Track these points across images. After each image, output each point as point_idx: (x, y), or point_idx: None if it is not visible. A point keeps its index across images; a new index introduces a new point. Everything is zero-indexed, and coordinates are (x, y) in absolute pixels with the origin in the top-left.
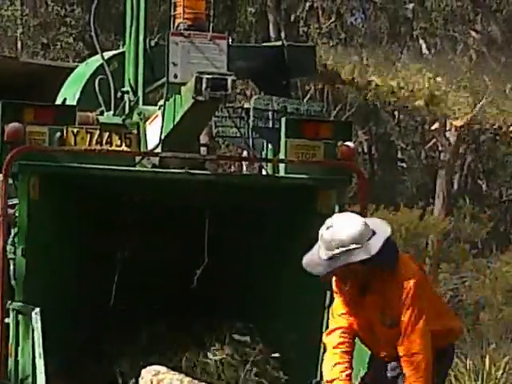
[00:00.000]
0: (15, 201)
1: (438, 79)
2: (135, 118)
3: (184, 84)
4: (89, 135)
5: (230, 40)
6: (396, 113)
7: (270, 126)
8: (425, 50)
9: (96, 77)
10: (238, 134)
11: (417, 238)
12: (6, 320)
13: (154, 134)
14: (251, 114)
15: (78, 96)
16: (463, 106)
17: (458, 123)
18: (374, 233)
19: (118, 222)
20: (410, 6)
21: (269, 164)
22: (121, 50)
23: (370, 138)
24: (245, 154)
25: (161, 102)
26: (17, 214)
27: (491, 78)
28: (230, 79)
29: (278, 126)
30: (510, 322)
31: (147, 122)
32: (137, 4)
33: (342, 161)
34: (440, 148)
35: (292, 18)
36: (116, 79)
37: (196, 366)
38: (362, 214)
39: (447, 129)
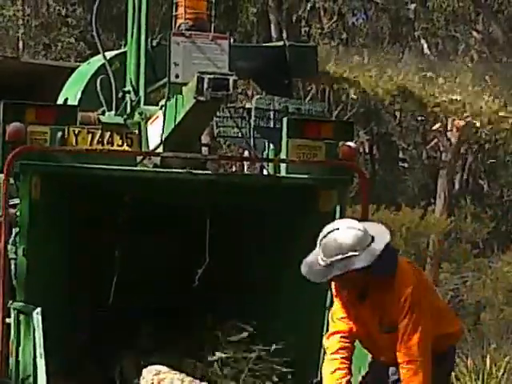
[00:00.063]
0: (16, 201)
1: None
2: (137, 117)
3: (185, 84)
4: (90, 135)
5: (232, 40)
6: (397, 113)
7: (272, 125)
8: (426, 51)
9: (97, 77)
10: (240, 134)
11: (418, 237)
12: (7, 320)
13: (155, 133)
14: (253, 113)
15: (79, 96)
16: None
17: (460, 123)
18: (373, 239)
19: (119, 221)
20: (412, 6)
21: (270, 164)
22: (122, 50)
23: (371, 138)
24: (246, 153)
25: (162, 102)
26: (18, 214)
27: (493, 78)
28: (231, 79)
29: (280, 126)
30: (511, 321)
31: (149, 122)
32: (138, 4)
33: (344, 161)
34: (441, 148)
35: (294, 18)
36: (117, 79)
37: (196, 365)
38: (364, 213)
39: (448, 129)
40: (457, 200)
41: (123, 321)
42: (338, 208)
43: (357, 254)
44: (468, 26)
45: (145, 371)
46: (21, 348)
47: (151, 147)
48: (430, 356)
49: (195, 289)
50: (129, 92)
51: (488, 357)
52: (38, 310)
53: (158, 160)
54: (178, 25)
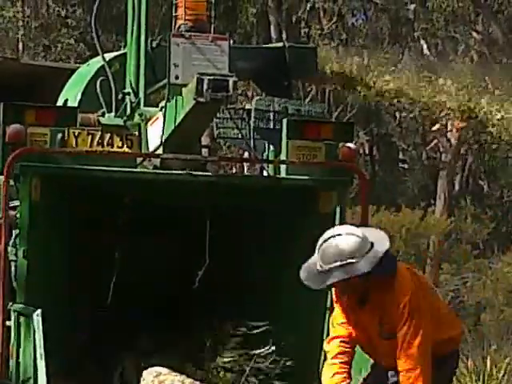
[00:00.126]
0: (16, 202)
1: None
2: (136, 119)
3: (185, 85)
4: (90, 136)
5: (232, 41)
6: (397, 114)
7: (272, 127)
8: (426, 51)
9: (97, 78)
10: (240, 136)
11: (418, 238)
12: (8, 322)
13: (155, 135)
14: (252, 115)
15: (79, 97)
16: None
17: (459, 124)
18: (372, 245)
19: (119, 223)
20: (412, 6)
21: (270, 165)
22: (122, 52)
23: (371, 139)
24: (246, 155)
25: (162, 104)
26: (18, 216)
27: (492, 79)
28: (231, 80)
29: (280, 127)
30: (511, 322)
31: (148, 124)
32: (138, 5)
33: (344, 162)
34: (441, 149)
35: (293, 18)
36: (117, 80)
37: (197, 367)
38: (364, 215)
39: (448, 130)
40: (457, 201)
41: (123, 322)
42: (337, 209)
43: (356, 260)
44: (468, 26)
45: (145, 373)
46: (21, 350)
47: (151, 149)
48: (430, 363)
49: (195, 290)
50: (128, 93)
51: (488, 358)
52: (39, 311)
53: (157, 161)
54: (177, 26)
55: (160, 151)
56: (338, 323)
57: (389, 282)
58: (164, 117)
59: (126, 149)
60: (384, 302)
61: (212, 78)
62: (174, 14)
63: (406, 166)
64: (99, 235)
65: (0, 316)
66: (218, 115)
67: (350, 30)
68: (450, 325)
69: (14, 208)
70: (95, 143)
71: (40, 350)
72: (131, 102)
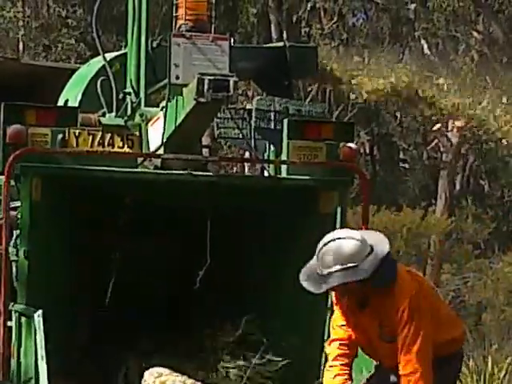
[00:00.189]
0: (17, 203)
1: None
2: (137, 119)
3: (186, 85)
4: (91, 137)
5: (232, 41)
6: (398, 114)
7: (272, 127)
8: (426, 51)
9: (98, 78)
10: (240, 136)
11: (419, 238)
12: (9, 323)
13: (155, 135)
14: (253, 115)
15: (79, 97)
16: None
17: (460, 124)
18: (372, 249)
19: (120, 223)
20: (412, 6)
21: (271, 165)
22: (123, 52)
23: (371, 138)
24: (247, 155)
25: (163, 104)
26: (19, 216)
27: (493, 79)
28: (231, 80)
29: (280, 127)
30: None
31: (149, 124)
32: (138, 5)
33: (344, 162)
34: (442, 149)
35: (294, 18)
36: (118, 80)
37: (198, 367)
38: (364, 215)
39: (449, 129)
40: (458, 201)
41: (124, 322)
42: (338, 209)
43: (355, 264)
44: (468, 26)
45: (146, 373)
46: (22, 350)
47: (152, 149)
48: (431, 366)
49: (196, 290)
50: (129, 93)
51: (489, 358)
52: (40, 312)
53: (158, 162)
54: (178, 26)
55: (161, 151)
56: (337, 325)
57: (388, 286)
58: (165, 117)
59: (126, 149)
60: (384, 305)
61: (213, 78)
62: (174, 14)
63: (406, 165)
64: (100, 235)
65: (1, 316)
66: (218, 115)
67: (351, 30)
68: (452, 325)
69: (15, 208)
70: (96, 143)
71: (41, 351)
72: (132, 102)
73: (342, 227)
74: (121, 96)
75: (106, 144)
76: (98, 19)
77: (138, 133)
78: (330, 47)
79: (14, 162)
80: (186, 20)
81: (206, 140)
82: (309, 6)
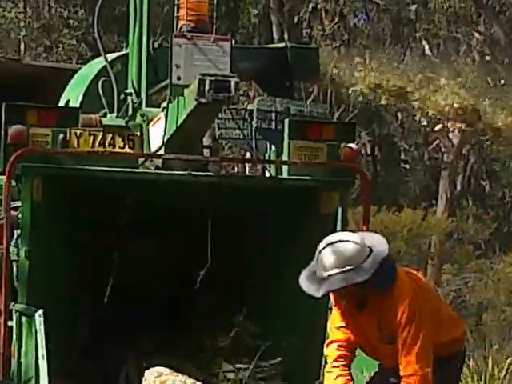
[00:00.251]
0: (18, 203)
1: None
2: (138, 119)
3: (187, 86)
4: (92, 137)
5: (233, 42)
6: (399, 114)
7: (273, 127)
8: (428, 52)
9: (99, 79)
10: (241, 136)
11: (419, 238)
12: (9, 322)
13: (157, 135)
14: (254, 115)
15: (81, 98)
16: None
17: (461, 124)
18: (371, 251)
19: (121, 223)
20: (413, 7)
21: (272, 165)
22: (124, 52)
23: (373, 139)
24: (248, 155)
25: (164, 104)
26: (20, 216)
27: (494, 79)
28: (233, 81)
29: (281, 128)
30: None
31: (150, 124)
32: (140, 6)
33: (345, 162)
34: (443, 149)
35: (295, 19)
36: (119, 81)
37: (198, 367)
38: (365, 215)
39: (450, 130)
40: (458, 201)
41: (125, 322)
42: (339, 210)
43: (355, 267)
44: (469, 27)
45: (147, 373)
46: (23, 350)
47: (153, 149)
48: (431, 367)
49: (197, 290)
50: (130, 94)
51: (490, 358)
52: (40, 311)
53: (159, 162)
54: (179, 26)
55: (162, 152)
56: (336, 327)
57: (387, 287)
58: (166, 117)
59: (127, 149)
60: (383, 307)
61: (214, 78)
62: (175, 15)
63: (407, 166)
64: (101, 235)
65: (2, 316)
66: (219, 116)
67: (352, 31)
68: (453, 325)
69: (16, 208)
70: (97, 144)
71: (42, 351)
72: (133, 103)
73: (342, 227)
74: (122, 96)
75: (107, 144)
76: (99, 20)
77: (139, 133)
78: (331, 48)
79: (15, 162)
80: (187, 21)
81: (207, 140)
82: (310, 6)
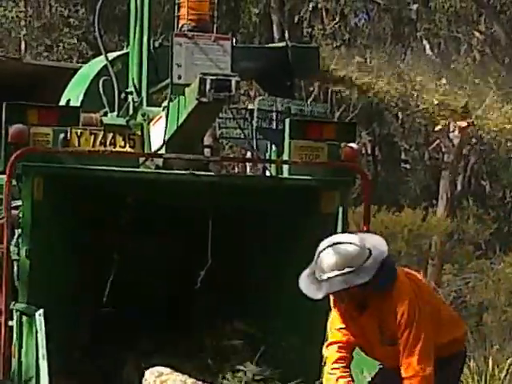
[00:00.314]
0: (18, 202)
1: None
2: (139, 119)
3: (188, 85)
4: (93, 136)
5: (234, 41)
6: (400, 114)
7: (274, 127)
8: (428, 51)
9: (100, 78)
10: (242, 136)
11: (420, 239)
12: (10, 321)
13: (157, 135)
14: (255, 115)
15: (81, 97)
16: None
17: (462, 124)
18: (370, 253)
19: (122, 222)
20: (414, 6)
21: (272, 165)
22: (125, 51)
23: (373, 139)
24: (248, 155)
25: (165, 103)
26: (20, 215)
27: (495, 79)
28: (233, 80)
29: (282, 127)
30: None
31: (151, 123)
32: (141, 5)
33: (346, 162)
34: (444, 149)
35: (296, 18)
36: (120, 80)
37: (198, 367)
38: (366, 215)
39: (451, 130)
40: (459, 201)
41: (125, 322)
42: (340, 209)
43: (355, 269)
44: (470, 26)
45: (147, 373)
46: (23, 349)
47: (154, 148)
48: (433, 368)
49: (198, 290)
50: (131, 93)
51: (490, 358)
52: (41, 311)
53: (160, 161)
54: (180, 26)
55: (162, 151)
56: (335, 328)
57: (387, 288)
58: (166, 117)
59: (128, 148)
60: (382, 309)
61: (214, 77)
62: (176, 14)
63: (408, 166)
64: (102, 235)
65: (2, 315)
66: (220, 115)
67: (353, 30)
68: (453, 326)
69: (17, 208)
70: (98, 143)
71: (42, 351)
72: (134, 102)
73: (343, 227)
74: (123, 96)
75: (107, 144)
76: (100, 19)
77: (139, 132)
78: (331, 47)
79: (15, 162)
80: (188, 20)
81: (207, 140)
82: (311, 6)
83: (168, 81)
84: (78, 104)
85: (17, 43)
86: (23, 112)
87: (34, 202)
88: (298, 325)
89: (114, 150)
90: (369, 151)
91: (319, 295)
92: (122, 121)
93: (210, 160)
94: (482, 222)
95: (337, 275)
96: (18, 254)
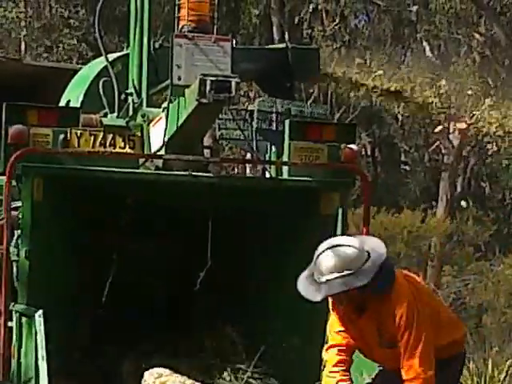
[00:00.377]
0: (18, 203)
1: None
2: (139, 120)
3: (188, 86)
4: (92, 137)
5: (234, 42)
6: (399, 115)
7: (274, 128)
8: (428, 53)
9: (100, 79)
10: (242, 137)
11: (419, 240)
12: (9, 322)
13: (157, 136)
14: (255, 116)
15: (81, 98)
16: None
17: (462, 126)
18: (369, 255)
19: (121, 223)
20: (414, 8)
21: (272, 166)
22: (125, 52)
23: (373, 140)
24: (248, 156)
25: (165, 104)
26: (20, 216)
27: (494, 80)
28: (233, 81)
29: (282, 129)
30: None
31: (151, 124)
32: (141, 6)
33: (346, 163)
34: (443, 151)
35: (296, 20)
36: (120, 81)
37: (198, 367)
38: (365, 216)
39: (450, 131)
40: (459, 203)
41: (125, 322)
42: (339, 211)
43: (353, 271)
44: (470, 28)
45: (146, 374)
46: (23, 350)
47: (153, 149)
48: (434, 370)
49: (198, 291)
50: (131, 94)
51: (490, 360)
52: (40, 312)
53: (160, 162)
54: (180, 27)
55: (162, 152)
56: (335, 331)
57: (386, 291)
58: (166, 118)
59: (128, 149)
60: (381, 311)
61: (214, 79)
62: (176, 15)
63: (407, 167)
64: (101, 236)
65: (2, 316)
66: (220, 116)
67: (353, 32)
68: (453, 328)
69: (16, 208)
70: (97, 144)
71: (42, 352)
72: (134, 103)
73: (342, 228)
74: (123, 97)
75: (107, 144)
76: (100, 20)
77: (139, 133)
78: (331, 49)
79: (15, 162)
80: (188, 21)
81: (207, 141)
82: (311, 7)
83: (168, 82)
84: (78, 105)
85: (17, 44)
86: (23, 113)
87: (34, 202)
88: (297, 325)
89: (113, 150)
90: (369, 153)
91: (318, 297)
92: (121, 122)
93: (210, 161)
94: (481, 223)
95: (336, 277)
96: (18, 254)
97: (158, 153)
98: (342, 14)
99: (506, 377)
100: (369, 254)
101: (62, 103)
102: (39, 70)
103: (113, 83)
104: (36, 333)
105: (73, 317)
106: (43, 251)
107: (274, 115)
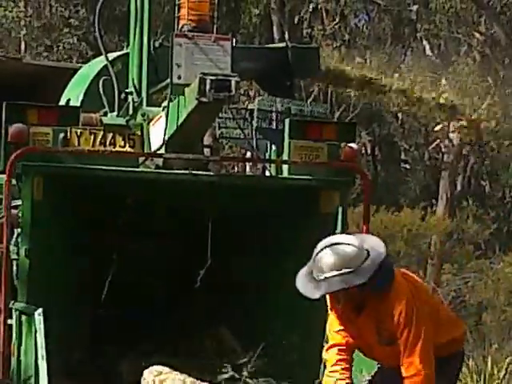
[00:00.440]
0: (18, 202)
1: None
2: (139, 119)
3: (188, 85)
4: (92, 136)
5: (234, 41)
6: (399, 114)
7: (274, 127)
8: (428, 52)
9: (100, 78)
10: (242, 135)
11: (419, 238)
12: (9, 321)
13: (157, 135)
14: (255, 115)
15: (81, 97)
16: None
17: (461, 124)
18: (368, 254)
19: (121, 222)
20: (414, 7)
21: (272, 165)
22: (125, 51)
23: (373, 139)
24: (248, 155)
25: (164, 103)
26: (20, 215)
27: (494, 79)
28: (233, 80)
29: (282, 127)
30: None
31: (151, 123)
32: (141, 5)
33: (346, 162)
34: (443, 149)
35: (296, 19)
36: (120, 80)
37: (198, 367)
38: (365, 215)
39: (451, 130)
40: (459, 201)
41: (125, 322)
42: (339, 209)
43: (353, 270)
44: (470, 27)
45: (146, 372)
46: (22, 349)
47: (153, 148)
48: (433, 368)
49: (198, 290)
50: (131, 93)
51: (489, 358)
52: (40, 310)
53: (160, 161)
54: (180, 26)
55: (162, 151)
56: (334, 330)
57: (385, 289)
58: (166, 117)
59: (128, 148)
60: (380, 309)
61: (214, 78)
62: (176, 14)
63: (408, 166)
64: (101, 235)
65: (1, 314)
66: (220, 115)
67: (353, 31)
68: (452, 326)
69: (16, 207)
70: (97, 143)
71: (41, 351)
72: (134, 102)
73: (342, 227)
74: (123, 96)
75: (107, 143)
76: (100, 19)
77: (139, 132)
78: (331, 48)
79: (15, 161)
80: (188, 20)
81: (207, 140)
82: (311, 7)
83: (168, 81)
84: (78, 104)
85: (17, 43)
86: (23, 112)
87: (34, 201)
88: (297, 323)
89: (113, 149)
90: (368, 151)
91: (317, 295)
92: (121, 121)
93: (210, 160)
94: (481, 221)
95: (335, 275)
96: (18, 253)
97: (158, 152)
98: (342, 14)
99: (505, 374)
100: (368, 252)
101: (62, 102)
102: (39, 69)
103: (113, 82)
104: (36, 331)
105: (73, 316)
106: (43, 250)
107: (273, 114)
